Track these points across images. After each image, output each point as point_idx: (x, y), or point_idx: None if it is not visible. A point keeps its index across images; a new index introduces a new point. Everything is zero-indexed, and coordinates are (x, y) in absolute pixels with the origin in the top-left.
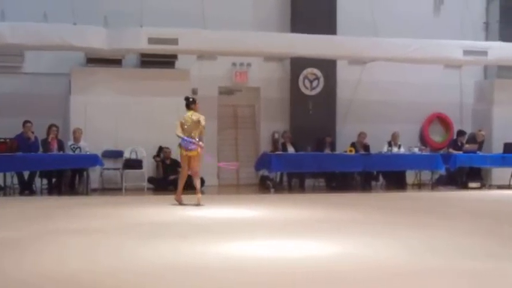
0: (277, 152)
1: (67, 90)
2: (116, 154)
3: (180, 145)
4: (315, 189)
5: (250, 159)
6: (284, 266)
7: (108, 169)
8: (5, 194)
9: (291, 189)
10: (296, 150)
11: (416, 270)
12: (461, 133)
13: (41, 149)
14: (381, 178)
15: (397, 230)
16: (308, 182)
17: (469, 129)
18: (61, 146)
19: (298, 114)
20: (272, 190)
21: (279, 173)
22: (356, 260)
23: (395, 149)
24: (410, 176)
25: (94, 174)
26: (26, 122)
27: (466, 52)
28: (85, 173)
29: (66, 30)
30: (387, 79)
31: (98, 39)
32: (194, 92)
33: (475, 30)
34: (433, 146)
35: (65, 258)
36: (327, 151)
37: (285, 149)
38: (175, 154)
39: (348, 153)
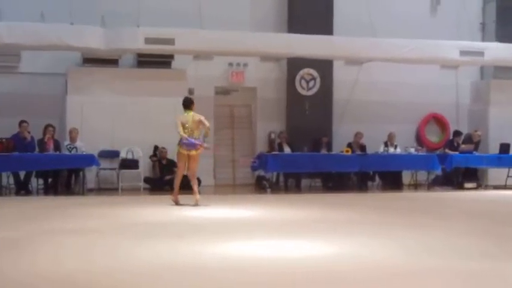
0: (273, 152)
1: (63, 90)
2: (112, 154)
3: (181, 144)
4: (311, 190)
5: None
6: (284, 266)
7: (104, 169)
8: (0, 194)
9: (287, 189)
10: (292, 151)
11: (413, 271)
12: (457, 133)
13: (37, 149)
14: (377, 178)
15: (393, 230)
16: (304, 182)
17: (465, 130)
18: (57, 146)
19: (295, 114)
20: (268, 190)
21: (275, 173)
22: (354, 260)
23: (391, 149)
24: (406, 176)
25: (90, 174)
26: (22, 121)
27: (463, 52)
28: (81, 173)
29: (63, 30)
30: (384, 79)
31: (94, 39)
32: (191, 92)
33: (471, 30)
34: (429, 146)
35: (61, 258)
36: (324, 151)
37: (281, 149)
38: (172, 154)
39: (344, 153)
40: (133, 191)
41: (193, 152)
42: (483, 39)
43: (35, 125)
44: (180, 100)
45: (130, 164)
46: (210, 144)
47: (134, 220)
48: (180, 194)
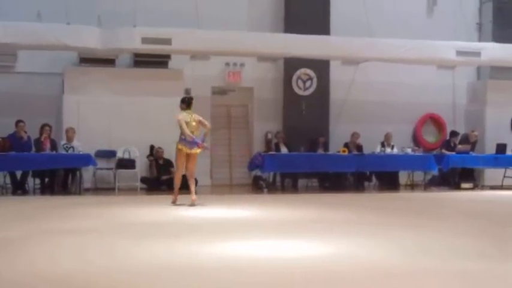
0: (270, 152)
1: (60, 90)
2: (109, 154)
3: (183, 142)
4: (308, 190)
5: (243, 159)
6: (281, 266)
7: (101, 169)
8: None
9: (284, 189)
10: (289, 151)
11: (410, 271)
12: (454, 134)
13: (33, 149)
14: (373, 178)
15: (390, 231)
16: (301, 182)
17: (461, 130)
18: (54, 146)
19: (292, 114)
20: (265, 190)
21: (272, 173)
22: (350, 261)
23: (388, 150)
24: (403, 177)
25: (87, 174)
26: (18, 121)
27: (459, 53)
28: (78, 172)
29: (60, 30)
30: (380, 79)
31: (91, 39)
32: (187, 92)
33: (468, 31)
34: (426, 147)
35: (58, 258)
36: (320, 151)
37: (278, 149)
38: (168, 154)
39: (341, 153)
40: (130, 190)
41: (194, 151)
42: (480, 40)
43: (31, 125)
44: (177, 100)
45: (127, 163)
46: (207, 144)
47: (131, 220)
48: (178, 194)
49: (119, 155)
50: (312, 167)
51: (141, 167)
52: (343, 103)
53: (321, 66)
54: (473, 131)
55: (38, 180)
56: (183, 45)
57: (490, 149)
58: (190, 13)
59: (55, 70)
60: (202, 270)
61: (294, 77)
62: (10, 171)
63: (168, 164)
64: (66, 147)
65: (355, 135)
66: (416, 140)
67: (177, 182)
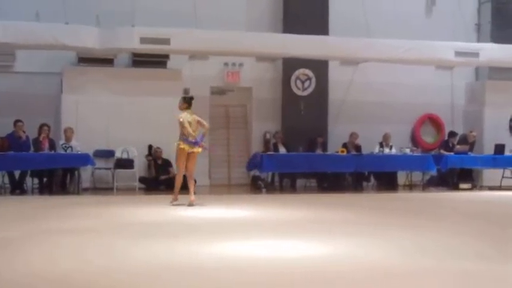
0: (268, 152)
1: (58, 90)
2: (107, 154)
3: (185, 141)
4: (306, 190)
5: (242, 159)
6: (281, 266)
7: (99, 168)
8: None
9: (282, 189)
10: (288, 151)
11: (408, 271)
12: (452, 134)
13: (32, 148)
14: (372, 179)
15: (388, 231)
16: (299, 182)
17: (460, 130)
18: (52, 145)
19: (290, 114)
20: (264, 190)
21: (270, 173)
22: (349, 261)
23: (386, 150)
24: (401, 177)
25: (85, 174)
26: (17, 121)
27: (458, 53)
28: (76, 172)
29: (59, 30)
30: (379, 80)
31: (90, 39)
32: (186, 92)
33: (466, 31)
34: (425, 147)
35: (57, 258)
36: (319, 151)
37: (276, 149)
38: (167, 154)
39: (340, 153)
40: (128, 190)
41: (195, 150)
42: (478, 40)
43: (30, 124)
44: (176, 100)
45: (125, 163)
46: (205, 144)
47: (130, 220)
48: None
49: (118, 154)
50: (311, 167)
51: (140, 167)
52: (341, 103)
53: (319, 67)
54: (471, 132)
55: (36, 180)
56: (181, 45)
57: (489, 150)
58: (189, 13)
59: (53, 70)
60: (202, 270)
61: (293, 77)
62: (8, 171)
63: (167, 164)
64: (65, 147)
65: (353, 135)
66: (414, 140)
67: (178, 184)
